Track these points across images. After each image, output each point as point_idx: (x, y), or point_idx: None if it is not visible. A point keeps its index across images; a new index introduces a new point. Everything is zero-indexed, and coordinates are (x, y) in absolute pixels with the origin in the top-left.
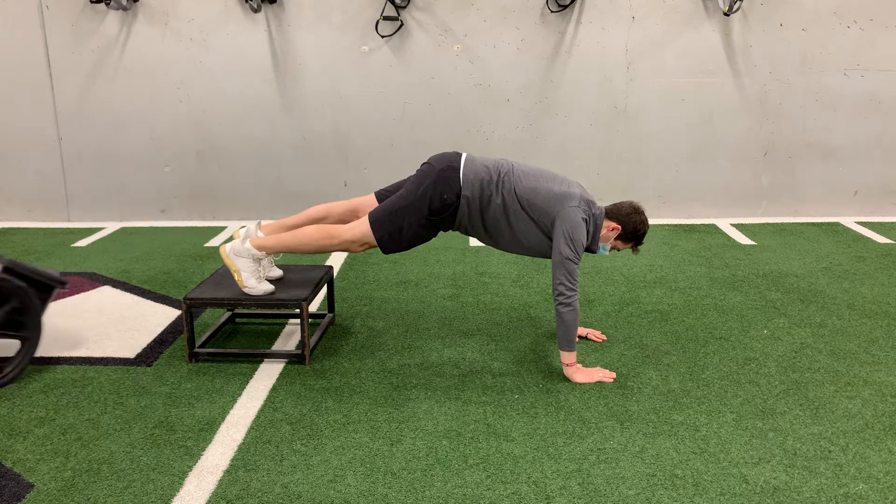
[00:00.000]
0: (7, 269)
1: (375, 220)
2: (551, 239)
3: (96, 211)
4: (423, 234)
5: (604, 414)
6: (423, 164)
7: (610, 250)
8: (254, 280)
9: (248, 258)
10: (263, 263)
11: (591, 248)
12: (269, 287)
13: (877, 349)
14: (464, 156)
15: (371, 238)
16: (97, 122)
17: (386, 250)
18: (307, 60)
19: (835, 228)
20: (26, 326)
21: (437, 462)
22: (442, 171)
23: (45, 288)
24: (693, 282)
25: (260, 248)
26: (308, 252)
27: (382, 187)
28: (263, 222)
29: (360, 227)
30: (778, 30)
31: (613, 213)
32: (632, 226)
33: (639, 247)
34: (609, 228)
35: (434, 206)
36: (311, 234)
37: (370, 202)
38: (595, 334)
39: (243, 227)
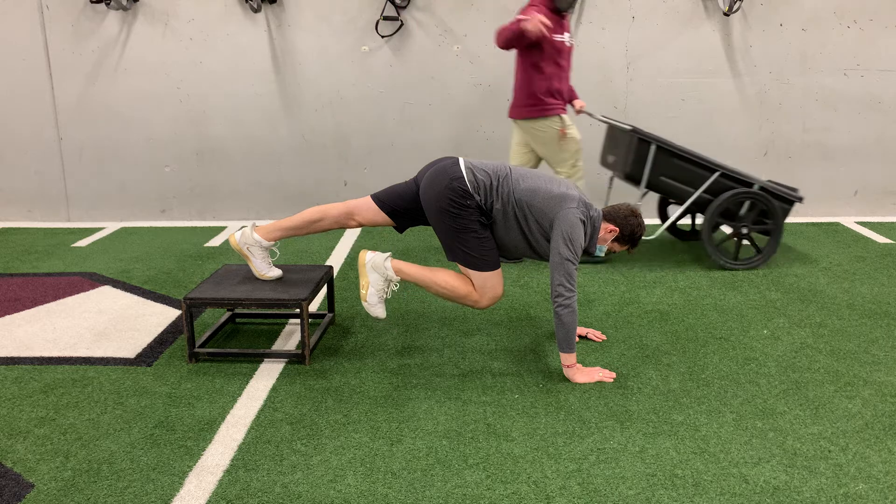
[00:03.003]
0: (763, 189)
1: (470, 265)
2: (549, 241)
3: (96, 211)
4: (488, 235)
5: (604, 414)
6: (421, 189)
7: (606, 252)
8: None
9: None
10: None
11: (587, 250)
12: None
13: (877, 349)
14: (461, 162)
15: (491, 289)
16: (97, 122)
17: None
18: (307, 60)
19: (835, 228)
20: (772, 226)
21: (437, 462)
22: (448, 186)
23: (788, 201)
24: (693, 282)
25: (397, 272)
26: (434, 292)
27: (381, 189)
28: (259, 223)
29: (479, 288)
30: (778, 30)
31: (611, 215)
32: (629, 228)
33: (634, 249)
34: (607, 230)
35: (472, 215)
36: (442, 280)
37: (366, 205)
38: (595, 334)
39: (243, 227)
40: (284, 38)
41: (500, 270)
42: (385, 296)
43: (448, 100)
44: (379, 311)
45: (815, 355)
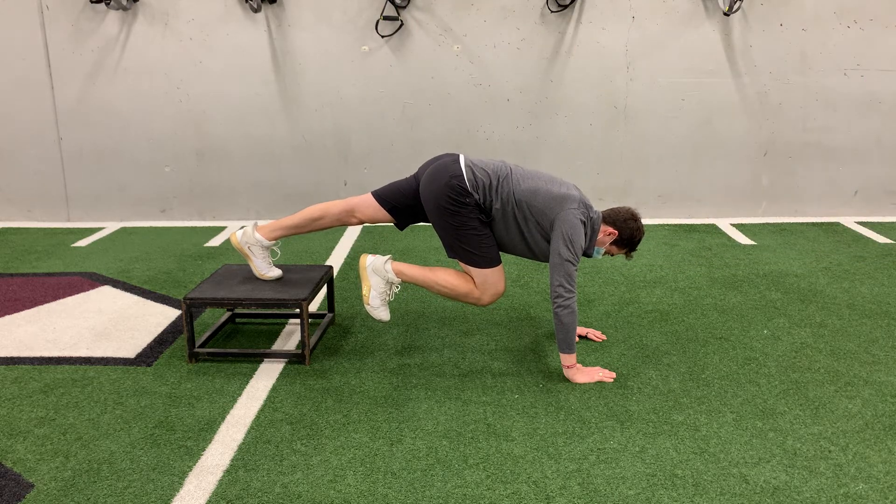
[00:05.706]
0: None
1: (470, 262)
2: (548, 241)
3: (96, 211)
4: (488, 232)
5: (604, 414)
6: (421, 186)
7: (604, 254)
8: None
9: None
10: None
11: (586, 252)
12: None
13: (877, 349)
14: (462, 159)
15: (492, 286)
16: (97, 122)
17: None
18: (307, 60)
19: (835, 228)
20: None
21: (437, 462)
22: (447, 184)
23: None
24: (693, 282)
25: (398, 274)
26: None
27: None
28: (260, 223)
29: (480, 285)
30: (778, 30)
31: (611, 218)
32: (628, 232)
33: (632, 253)
34: (606, 233)
35: (471, 213)
36: (442, 279)
37: (367, 202)
38: (595, 334)
39: (243, 227)
40: (284, 38)
41: (500, 266)
42: (388, 298)
43: (448, 100)
44: (382, 313)
45: (816, 355)
